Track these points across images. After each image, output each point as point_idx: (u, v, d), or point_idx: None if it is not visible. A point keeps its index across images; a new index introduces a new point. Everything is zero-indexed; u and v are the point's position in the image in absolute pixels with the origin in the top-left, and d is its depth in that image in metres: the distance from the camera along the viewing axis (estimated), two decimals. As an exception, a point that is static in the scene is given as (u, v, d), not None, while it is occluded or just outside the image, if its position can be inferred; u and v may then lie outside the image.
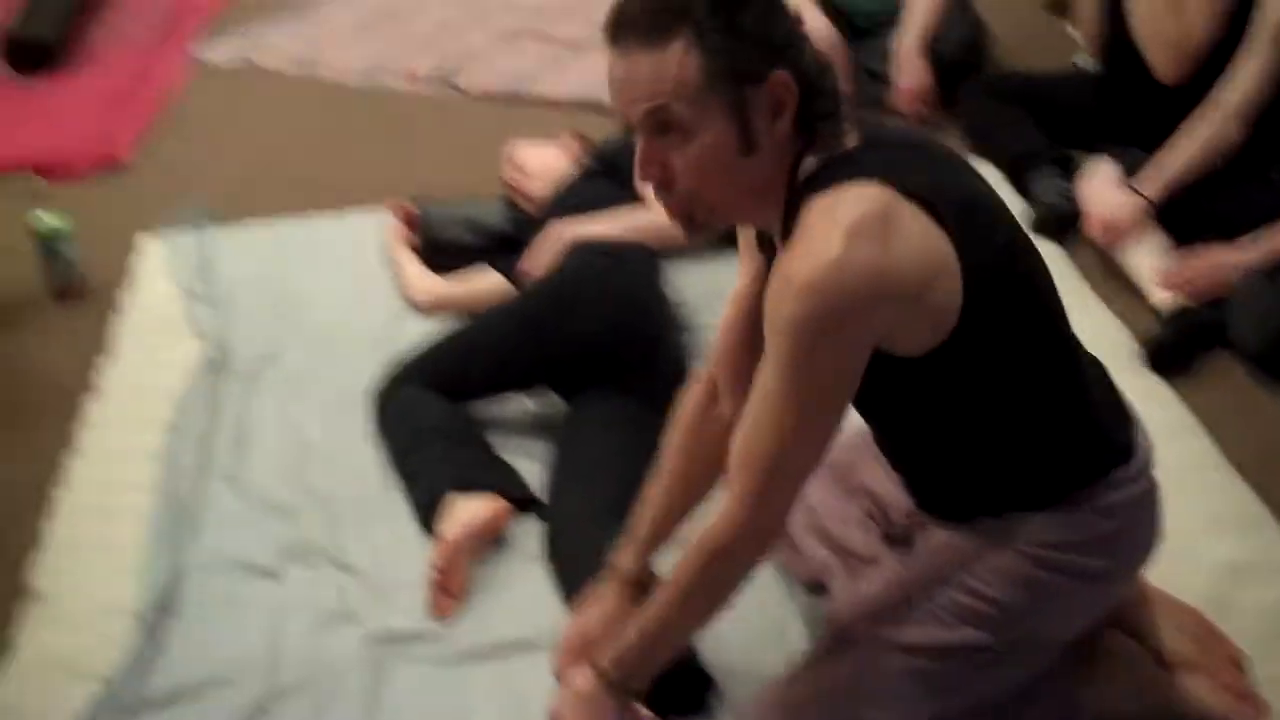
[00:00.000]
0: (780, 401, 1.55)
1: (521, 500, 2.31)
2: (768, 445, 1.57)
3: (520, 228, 2.95)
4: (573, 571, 2.10)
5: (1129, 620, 1.94)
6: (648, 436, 2.10)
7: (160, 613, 2.15)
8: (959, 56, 3.66)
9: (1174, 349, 2.65)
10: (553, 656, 1.97)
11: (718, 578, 1.65)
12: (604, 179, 2.93)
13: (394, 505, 2.38)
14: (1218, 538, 2.18)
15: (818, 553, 2.04)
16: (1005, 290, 1.58)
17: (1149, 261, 2.85)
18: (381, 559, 2.27)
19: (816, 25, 3.67)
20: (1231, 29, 2.92)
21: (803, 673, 1.82)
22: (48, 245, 3.08)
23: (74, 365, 2.85)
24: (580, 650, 1.88)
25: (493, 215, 3.06)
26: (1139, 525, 1.76)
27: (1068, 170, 3.22)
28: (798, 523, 2.05)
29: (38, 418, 2.72)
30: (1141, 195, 2.91)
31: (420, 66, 4.18)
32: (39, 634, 2.16)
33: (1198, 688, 1.88)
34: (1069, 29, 3.79)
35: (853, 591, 1.87)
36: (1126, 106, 3.19)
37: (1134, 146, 3.06)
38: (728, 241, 1.95)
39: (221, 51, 4.42)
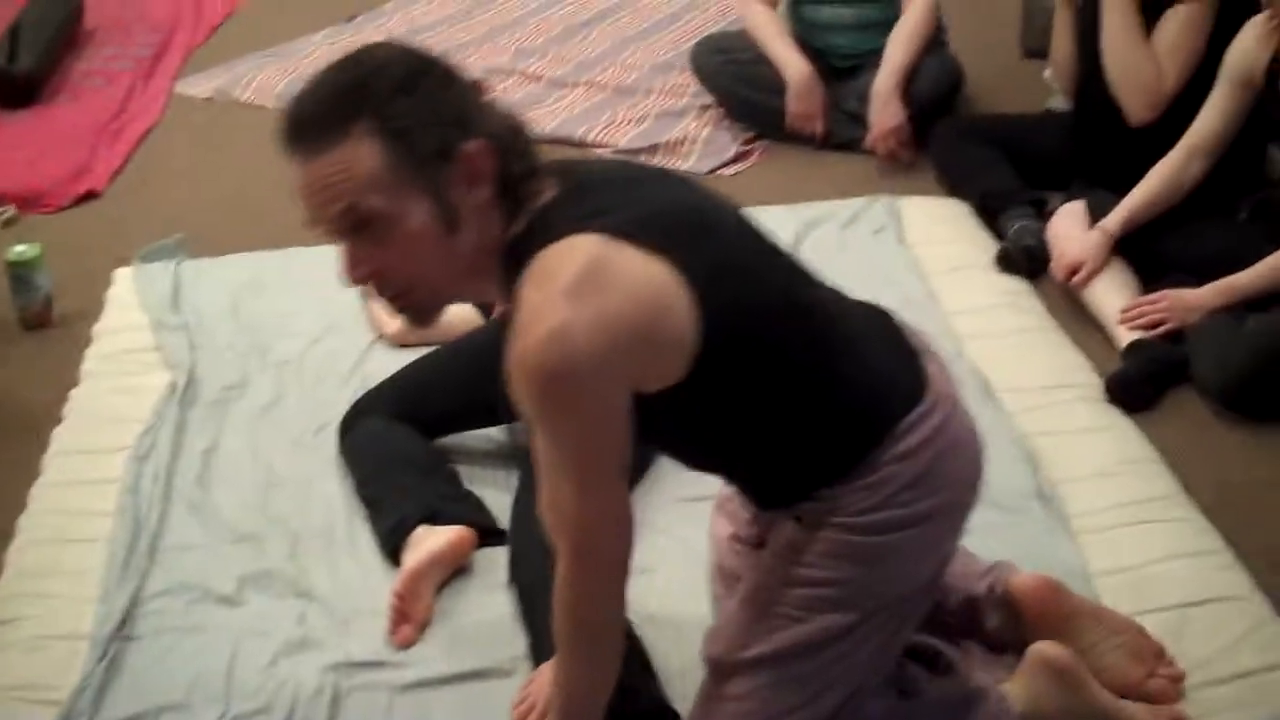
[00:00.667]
0: (558, 470, 1.58)
1: (488, 531, 2.30)
2: (565, 508, 1.60)
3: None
4: (532, 596, 2.08)
5: (1070, 634, 1.93)
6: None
7: (118, 638, 2.14)
8: (935, 98, 3.69)
9: (1134, 383, 2.65)
10: (514, 702, 1.97)
11: (585, 624, 1.68)
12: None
13: (358, 535, 2.37)
14: (1174, 570, 2.18)
15: (715, 587, 2.01)
16: (736, 286, 1.57)
17: (1114, 301, 2.87)
18: (343, 587, 2.26)
19: (794, 65, 3.71)
20: (1202, 74, 2.96)
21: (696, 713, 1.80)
22: (19, 274, 3.08)
23: (43, 394, 2.85)
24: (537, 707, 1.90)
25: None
26: (950, 451, 1.71)
27: (1040, 211, 3.24)
28: (710, 564, 2.02)
29: (6, 446, 2.71)
30: (1103, 230, 2.93)
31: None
32: (-3, 659, 2.14)
33: (1136, 714, 1.88)
34: (1045, 74, 3.82)
35: (724, 612, 1.85)
36: (1098, 148, 3.22)
37: (1105, 188, 3.09)
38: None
39: (201, 86, 4.44)
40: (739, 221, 1.67)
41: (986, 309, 2.92)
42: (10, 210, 3.65)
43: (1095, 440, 2.50)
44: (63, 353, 2.99)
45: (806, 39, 3.84)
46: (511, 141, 1.57)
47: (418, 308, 1.62)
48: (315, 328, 2.99)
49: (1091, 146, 3.25)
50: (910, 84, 3.64)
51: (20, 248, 3.10)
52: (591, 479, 1.57)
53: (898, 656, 1.81)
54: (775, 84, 3.75)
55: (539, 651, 2.03)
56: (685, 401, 1.58)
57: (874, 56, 3.71)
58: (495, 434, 2.56)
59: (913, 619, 1.80)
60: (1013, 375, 2.68)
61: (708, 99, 3.98)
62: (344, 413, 2.55)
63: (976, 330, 2.84)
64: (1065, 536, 2.24)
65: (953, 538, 1.79)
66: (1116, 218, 2.94)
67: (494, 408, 2.50)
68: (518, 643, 2.10)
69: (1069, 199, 3.15)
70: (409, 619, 2.15)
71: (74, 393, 2.81)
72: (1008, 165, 3.37)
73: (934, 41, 3.74)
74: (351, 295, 3.07)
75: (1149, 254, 2.94)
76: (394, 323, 2.92)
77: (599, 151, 3.76)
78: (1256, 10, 2.82)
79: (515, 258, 1.55)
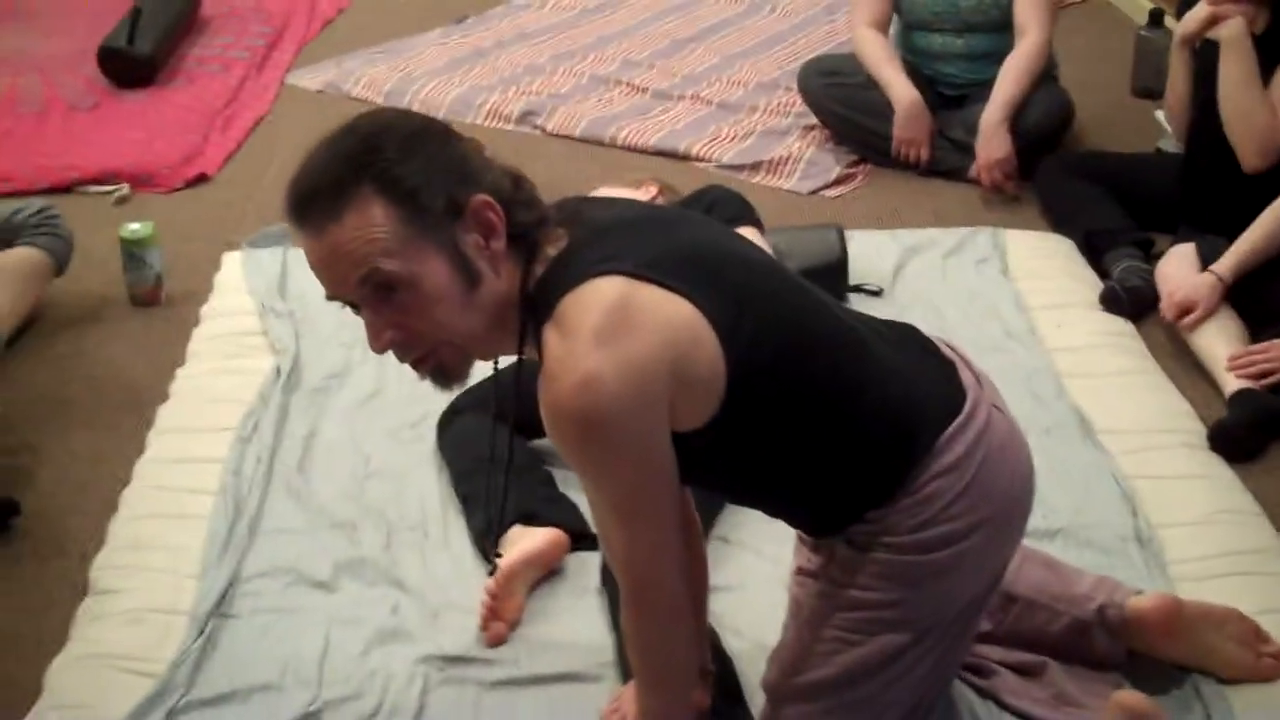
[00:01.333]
0: (608, 510, 1.60)
1: (581, 535, 2.32)
2: (616, 550, 1.63)
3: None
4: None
5: (1191, 641, 1.97)
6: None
7: (216, 615, 2.18)
8: (1043, 131, 3.67)
9: (1239, 432, 2.62)
10: (606, 710, 1.99)
11: (653, 665, 1.73)
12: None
13: (451, 529, 2.40)
14: (1269, 624, 2.14)
15: (787, 617, 1.99)
16: (759, 321, 1.58)
17: (1222, 347, 2.84)
18: (435, 581, 2.28)
19: (901, 90, 3.70)
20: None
21: None
22: (133, 252, 3.14)
23: (151, 371, 2.91)
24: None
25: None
26: (995, 457, 1.70)
27: (1146, 252, 3.21)
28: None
29: (114, 421, 2.76)
30: (1215, 274, 2.91)
31: (507, 104, 4.24)
32: (96, 628, 2.19)
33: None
34: (1156, 115, 3.79)
35: (783, 638, 1.86)
36: (1208, 192, 3.18)
37: (1212, 233, 3.06)
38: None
39: (312, 79, 4.50)
40: (759, 258, 1.68)
41: (1089, 348, 2.90)
42: (124, 188, 3.73)
43: (1196, 487, 2.47)
44: (169, 332, 3.05)
45: (916, 66, 3.84)
46: (515, 193, 1.59)
47: (444, 369, 1.62)
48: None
49: (1201, 190, 3.21)
50: (1019, 116, 3.62)
51: (134, 226, 3.16)
52: (639, 521, 1.59)
53: (957, 672, 1.81)
54: (882, 108, 3.75)
55: (627, 659, 2.03)
56: (718, 438, 1.59)
57: (983, 87, 3.69)
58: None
59: (969, 634, 1.80)
60: (1114, 416, 2.65)
61: (812, 120, 3.98)
62: (442, 409, 2.57)
63: (1078, 369, 2.81)
64: (1163, 581, 2.21)
65: (1006, 549, 1.79)
66: (1228, 262, 2.91)
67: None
68: (606, 649, 2.11)
69: (1176, 241, 3.12)
70: (500, 617, 2.17)
71: (180, 372, 2.86)
72: (1115, 203, 3.35)
73: (1045, 76, 3.72)
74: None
75: (1257, 301, 2.91)
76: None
77: (701, 166, 3.79)
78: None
79: (537, 306, 1.56)
